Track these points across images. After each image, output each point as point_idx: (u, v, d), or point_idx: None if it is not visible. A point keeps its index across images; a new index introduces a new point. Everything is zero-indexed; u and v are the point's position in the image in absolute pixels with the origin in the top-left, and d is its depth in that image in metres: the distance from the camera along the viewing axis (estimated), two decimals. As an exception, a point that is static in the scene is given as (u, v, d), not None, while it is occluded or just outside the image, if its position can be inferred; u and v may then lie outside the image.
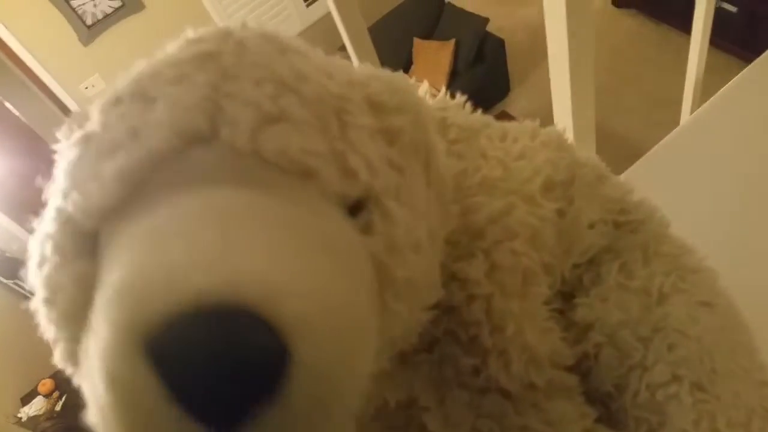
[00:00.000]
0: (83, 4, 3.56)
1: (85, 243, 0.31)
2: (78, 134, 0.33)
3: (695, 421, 0.42)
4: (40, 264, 0.33)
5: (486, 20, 3.87)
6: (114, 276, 0.25)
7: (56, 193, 0.32)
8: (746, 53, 3.26)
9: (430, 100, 0.53)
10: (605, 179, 0.53)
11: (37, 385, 3.17)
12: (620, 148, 3.20)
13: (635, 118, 3.51)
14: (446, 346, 0.43)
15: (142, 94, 0.31)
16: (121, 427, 0.24)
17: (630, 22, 4.07)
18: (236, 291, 0.23)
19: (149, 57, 0.35)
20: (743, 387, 0.44)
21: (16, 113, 0.96)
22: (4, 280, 3.77)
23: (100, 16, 3.64)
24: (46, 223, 0.33)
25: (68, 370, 0.34)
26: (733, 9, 3.29)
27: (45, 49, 3.59)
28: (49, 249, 0.32)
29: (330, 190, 0.31)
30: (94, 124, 0.32)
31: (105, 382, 0.23)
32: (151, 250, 0.25)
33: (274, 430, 0.24)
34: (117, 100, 0.32)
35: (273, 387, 0.23)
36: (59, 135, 0.36)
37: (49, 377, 3.25)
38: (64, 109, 3.74)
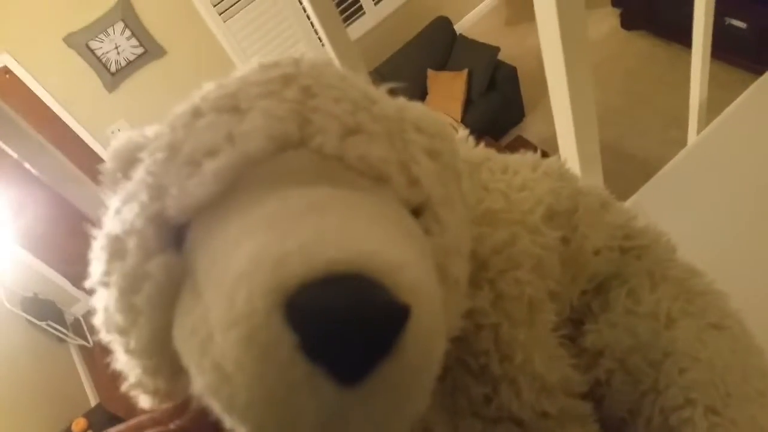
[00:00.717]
0: (107, 52, 3.68)
1: (170, 237, 0.33)
2: (157, 143, 0.36)
3: None
4: (116, 257, 0.35)
5: (497, 49, 3.93)
6: (244, 254, 0.28)
7: (134, 196, 0.35)
8: (759, 67, 3.26)
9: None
10: (609, 206, 0.53)
11: (70, 425, 3.18)
12: (637, 168, 3.20)
13: (651, 138, 3.51)
14: (458, 376, 0.44)
15: (231, 107, 0.35)
16: (256, 382, 0.26)
17: (641, 43, 4.09)
18: (364, 261, 0.26)
19: (216, 80, 0.39)
20: (759, 410, 0.44)
21: (34, 171, 1.00)
22: (38, 322, 3.83)
23: (123, 63, 3.75)
24: (116, 224, 0.35)
25: (139, 366, 0.36)
26: (742, 25, 3.30)
27: (72, 97, 3.71)
28: (132, 244, 0.33)
29: (399, 194, 0.35)
30: (170, 135, 0.36)
31: (242, 342, 0.26)
32: (278, 231, 0.29)
33: (391, 381, 0.27)
34: (196, 113, 0.35)
35: (393, 343, 0.26)
36: (104, 168, 0.40)
37: (83, 416, 3.27)
38: (92, 154, 3.85)
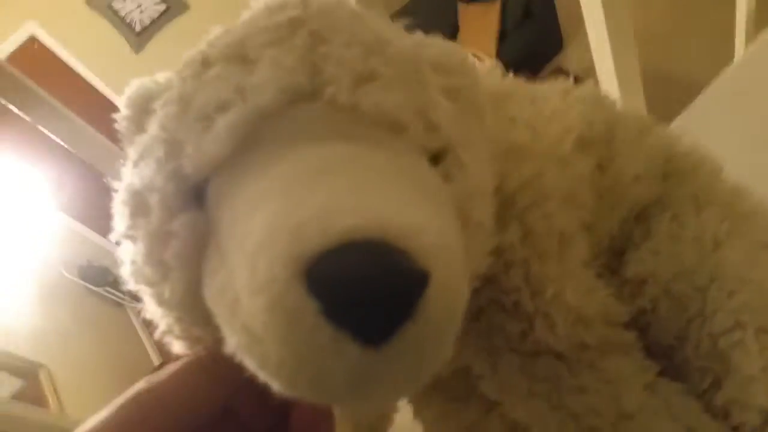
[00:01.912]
0: (131, 12, 3.69)
1: (191, 195, 0.34)
2: (168, 95, 0.36)
3: (764, 367, 0.40)
4: (140, 213, 0.35)
5: (531, -26, 3.76)
6: (262, 220, 0.28)
7: (150, 150, 0.35)
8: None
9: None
10: (649, 130, 0.51)
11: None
12: (683, 92, 3.07)
13: (697, 58, 3.35)
14: (492, 314, 0.44)
15: (239, 57, 0.34)
16: (283, 345, 0.27)
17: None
18: (381, 227, 0.26)
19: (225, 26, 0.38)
20: None
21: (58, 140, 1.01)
22: (95, 288, 3.97)
23: (147, 22, 3.75)
24: (137, 177, 0.36)
25: (172, 316, 0.37)
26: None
27: (100, 61, 3.75)
28: (154, 201, 0.34)
29: (417, 143, 0.34)
30: (180, 87, 0.35)
31: (267, 308, 0.26)
32: (294, 196, 0.29)
33: (414, 340, 0.27)
34: (204, 64, 0.35)
35: (415, 305, 0.26)
36: (119, 117, 0.41)
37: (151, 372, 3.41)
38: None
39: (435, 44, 0.41)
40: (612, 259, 0.49)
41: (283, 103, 0.32)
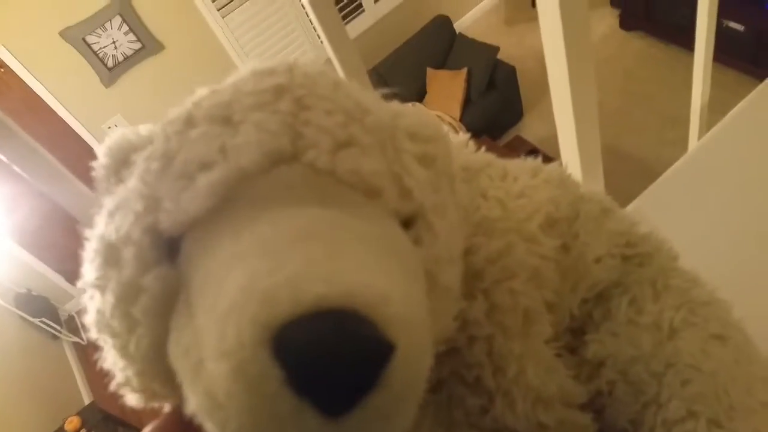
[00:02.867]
0: (104, 47, 3.67)
1: (165, 249, 0.34)
2: (151, 150, 0.36)
3: None
4: (111, 263, 0.35)
5: (496, 49, 3.93)
6: (235, 283, 0.29)
7: (128, 202, 0.35)
8: (756, 69, 3.28)
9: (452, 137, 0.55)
10: (611, 213, 0.53)
11: (63, 423, 3.18)
12: (634, 168, 3.22)
13: (648, 138, 3.52)
14: (453, 387, 0.44)
15: (224, 118, 0.35)
16: (244, 413, 0.27)
17: (639, 43, 4.10)
18: (350, 297, 0.27)
19: (209, 86, 0.39)
20: (762, 423, 0.43)
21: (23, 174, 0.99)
22: (31, 319, 3.81)
23: (120, 58, 3.74)
24: (112, 228, 0.36)
25: (133, 369, 0.37)
26: (739, 27, 3.32)
27: (68, 92, 3.70)
28: (128, 254, 0.34)
29: (391, 207, 0.35)
30: (163, 144, 0.36)
31: (230, 374, 0.27)
32: (268, 260, 0.29)
33: (376, 411, 0.27)
34: (189, 123, 0.36)
35: (379, 375, 0.27)
36: (97, 165, 0.41)
37: (76, 414, 3.26)
38: (87, 149, 3.83)
39: (411, 113, 0.42)
40: (571, 339, 0.50)
41: (264, 165, 0.33)
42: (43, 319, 3.86)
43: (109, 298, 0.35)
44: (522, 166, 0.53)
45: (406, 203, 0.36)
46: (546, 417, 0.43)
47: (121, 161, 0.39)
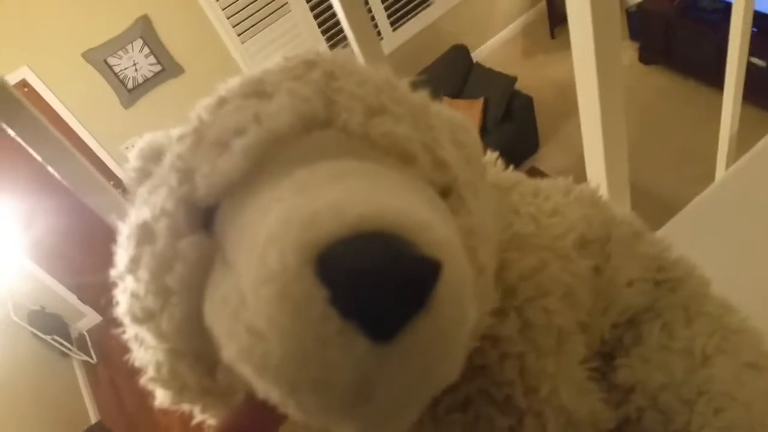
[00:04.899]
0: (125, 69, 3.73)
1: (199, 219, 0.34)
2: (181, 129, 0.37)
3: None
4: (145, 241, 0.35)
5: (514, 79, 3.94)
6: (274, 218, 0.28)
7: (163, 181, 0.36)
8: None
9: None
10: (642, 236, 0.52)
11: (73, 441, 3.17)
12: (653, 204, 3.16)
13: (668, 174, 3.49)
14: (481, 406, 0.42)
15: (257, 91, 0.36)
16: (288, 337, 0.26)
17: (658, 77, 4.10)
18: (394, 219, 0.27)
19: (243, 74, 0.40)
20: None
21: (58, 176, 1.00)
22: (43, 336, 3.83)
23: (140, 80, 3.80)
24: (145, 212, 0.36)
25: (164, 350, 0.36)
26: (761, 63, 3.31)
27: (88, 112, 3.76)
28: (162, 226, 0.34)
29: (425, 175, 0.35)
30: (196, 122, 0.36)
31: (275, 298, 0.26)
32: (307, 195, 0.29)
33: (425, 337, 0.26)
34: (221, 102, 0.36)
35: (426, 296, 0.26)
36: (128, 167, 0.41)
37: (86, 431, 3.25)
38: (106, 170, 3.87)
39: (440, 104, 0.43)
40: (601, 364, 0.48)
41: (298, 129, 0.33)
42: (55, 337, 3.88)
43: (143, 274, 0.35)
44: (553, 184, 0.53)
45: (440, 173, 0.36)
46: None
47: (152, 162, 0.39)
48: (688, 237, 1.10)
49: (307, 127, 0.34)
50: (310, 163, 0.32)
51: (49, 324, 3.94)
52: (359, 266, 0.25)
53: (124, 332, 0.39)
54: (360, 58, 1.24)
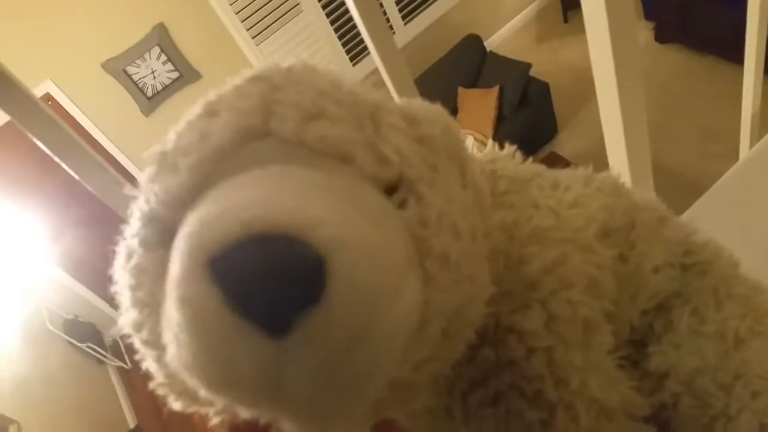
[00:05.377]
0: (144, 77, 3.78)
1: (165, 235, 0.35)
2: (153, 153, 0.39)
3: None
4: (127, 259, 0.38)
5: (528, 66, 3.91)
6: (186, 227, 0.31)
7: (139, 205, 0.38)
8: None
9: (478, 153, 0.55)
10: (667, 221, 0.52)
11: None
12: (678, 184, 3.13)
13: (691, 153, 3.44)
14: (511, 400, 0.43)
15: (208, 111, 0.38)
16: (192, 338, 0.28)
17: (675, 56, 4.03)
18: (275, 219, 0.28)
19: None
20: None
21: (89, 188, 1.03)
22: (78, 344, 3.90)
23: (159, 87, 3.84)
24: (130, 231, 0.38)
25: (149, 353, 0.38)
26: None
27: (110, 121, 3.81)
28: (135, 244, 0.37)
29: (366, 173, 0.35)
30: (168, 144, 0.39)
31: (177, 304, 0.28)
32: (212, 202, 0.31)
33: (322, 331, 0.28)
34: (187, 123, 0.38)
35: (314, 293, 0.28)
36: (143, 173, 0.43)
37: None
38: (129, 177, 3.93)
39: (413, 101, 0.43)
40: (633, 351, 0.49)
41: (237, 142, 0.35)
42: (90, 344, 3.95)
43: (126, 290, 0.37)
44: (573, 175, 0.52)
45: (383, 169, 0.36)
46: (610, 429, 0.42)
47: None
48: (714, 218, 1.08)
49: (245, 139, 0.35)
50: (239, 172, 0.34)
51: (83, 332, 4.01)
52: (243, 266, 0.27)
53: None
54: (374, 53, 1.24)
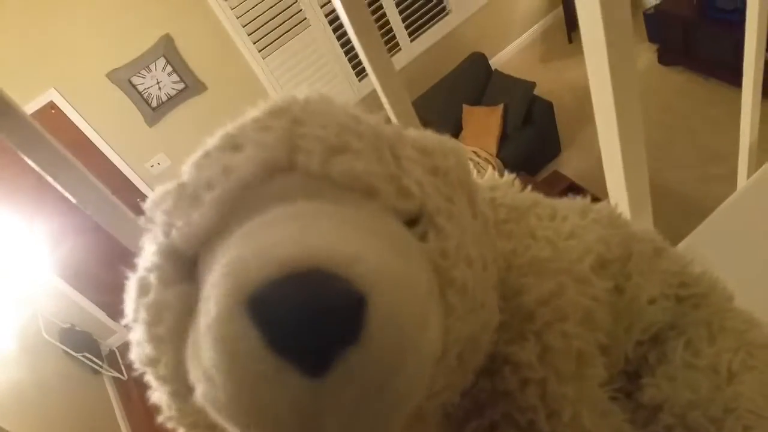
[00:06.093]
0: (149, 87, 3.80)
1: (185, 269, 0.35)
2: (170, 185, 0.39)
3: None
4: (142, 294, 0.37)
5: (533, 84, 3.93)
6: (218, 267, 0.31)
7: (155, 237, 0.38)
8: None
9: (478, 178, 0.55)
10: (663, 252, 0.52)
11: (102, 458, 3.19)
12: (678, 204, 3.15)
13: (693, 174, 3.45)
14: (505, 431, 0.43)
15: (230, 145, 0.37)
16: (228, 378, 0.28)
17: (678, 78, 4.06)
18: (313, 257, 0.28)
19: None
20: None
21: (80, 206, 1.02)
22: (74, 353, 3.88)
23: (164, 98, 3.86)
24: (143, 264, 0.38)
25: (168, 392, 0.38)
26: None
27: (114, 131, 3.82)
28: (153, 278, 0.36)
29: (389, 205, 0.36)
30: (186, 176, 0.38)
31: (213, 343, 0.28)
32: (245, 241, 0.31)
33: (359, 370, 0.28)
34: (206, 155, 0.38)
35: (354, 330, 0.27)
36: (146, 205, 0.42)
37: (115, 449, 3.28)
38: (132, 188, 3.93)
39: (423, 132, 0.44)
40: (626, 383, 0.49)
41: (261, 176, 0.35)
42: (86, 354, 3.93)
43: (141, 324, 0.37)
44: (570, 205, 0.53)
45: (405, 202, 0.36)
46: None
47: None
48: (714, 245, 1.09)
49: (271, 174, 0.35)
50: (267, 208, 0.34)
51: (79, 341, 4.00)
52: (285, 306, 0.27)
53: (139, 376, 0.40)
54: (372, 77, 1.24)
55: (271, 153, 0.35)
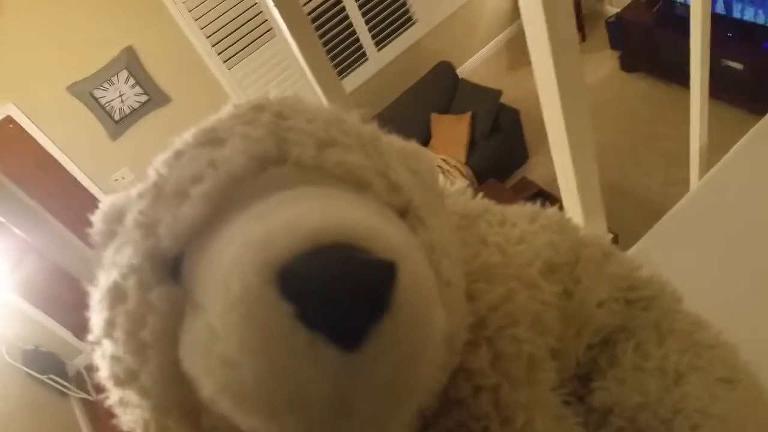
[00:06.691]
0: (111, 100, 3.73)
1: (167, 271, 0.34)
2: (141, 187, 0.38)
3: None
4: (117, 303, 0.35)
5: (499, 92, 3.97)
6: (233, 247, 0.29)
7: (129, 242, 0.36)
8: (756, 106, 3.33)
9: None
10: (612, 256, 0.53)
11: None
12: (640, 207, 3.21)
13: (653, 177, 3.52)
14: None
15: (210, 140, 0.37)
16: (258, 358, 0.27)
17: (641, 84, 4.14)
18: (341, 228, 0.28)
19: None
20: None
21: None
22: (38, 375, 3.77)
23: (127, 111, 3.80)
24: (114, 273, 0.36)
25: (149, 408, 0.36)
26: (739, 66, 3.39)
27: (76, 146, 3.75)
28: (130, 284, 0.34)
29: (381, 199, 0.36)
30: (156, 176, 0.37)
31: (240, 322, 0.27)
32: (264, 218, 0.30)
33: (391, 340, 0.27)
34: (178, 154, 0.37)
35: (386, 300, 0.27)
36: (93, 232, 0.41)
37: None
38: (95, 203, 3.85)
39: (392, 136, 0.44)
40: (578, 387, 0.50)
41: (253, 169, 0.35)
42: (51, 376, 3.82)
43: (120, 334, 0.35)
44: (520, 211, 0.54)
45: (395, 196, 0.37)
46: None
47: (116, 223, 0.40)
48: (666, 247, 1.12)
49: (261, 166, 0.35)
50: (267, 196, 0.33)
51: (44, 363, 3.89)
52: (318, 278, 0.26)
53: (107, 398, 0.39)
54: (320, 94, 1.26)
55: (260, 145, 0.35)
